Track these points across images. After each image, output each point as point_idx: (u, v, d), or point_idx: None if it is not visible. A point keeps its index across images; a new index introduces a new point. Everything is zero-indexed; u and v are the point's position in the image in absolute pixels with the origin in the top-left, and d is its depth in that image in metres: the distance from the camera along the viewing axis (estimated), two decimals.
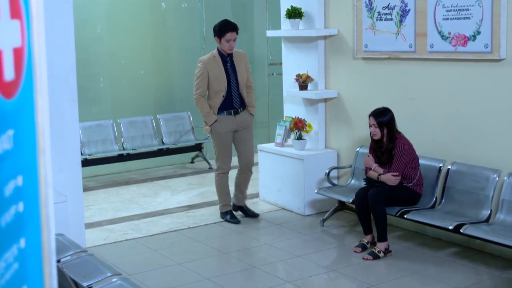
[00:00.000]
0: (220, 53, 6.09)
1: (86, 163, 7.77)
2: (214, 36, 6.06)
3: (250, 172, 6.38)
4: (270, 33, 7.52)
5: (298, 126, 6.49)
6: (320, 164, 6.45)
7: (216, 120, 6.10)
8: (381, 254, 5.25)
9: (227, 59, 6.10)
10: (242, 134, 6.24)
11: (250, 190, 7.35)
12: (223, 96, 6.08)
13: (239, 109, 6.18)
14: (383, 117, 5.37)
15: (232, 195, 6.46)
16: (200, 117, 9.21)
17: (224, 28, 5.97)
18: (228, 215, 6.36)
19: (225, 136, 6.16)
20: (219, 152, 6.24)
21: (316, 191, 6.20)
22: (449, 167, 5.43)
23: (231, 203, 6.44)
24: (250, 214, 6.42)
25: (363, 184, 5.65)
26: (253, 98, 6.31)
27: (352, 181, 6.23)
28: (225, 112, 6.13)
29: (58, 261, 3.46)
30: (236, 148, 6.34)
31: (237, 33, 6.02)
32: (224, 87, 6.06)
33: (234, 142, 6.30)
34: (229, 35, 5.96)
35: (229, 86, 6.09)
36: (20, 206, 1.10)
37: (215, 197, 7.18)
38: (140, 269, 5.13)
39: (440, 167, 5.51)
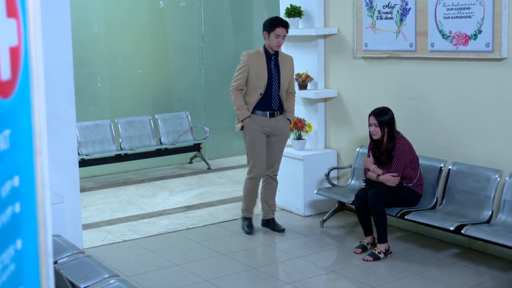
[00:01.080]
0: (266, 51, 5.87)
1: (83, 163, 7.74)
2: (263, 31, 5.85)
3: (274, 181, 6.03)
4: None
5: (298, 126, 6.46)
6: (319, 164, 6.42)
7: (249, 116, 5.80)
8: (382, 255, 5.22)
9: (272, 58, 5.88)
10: (275, 140, 5.90)
11: None
12: (261, 94, 5.80)
13: (275, 112, 5.85)
14: (383, 117, 5.34)
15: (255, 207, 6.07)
16: (199, 117, 9.27)
17: (275, 23, 5.79)
18: (246, 223, 6.06)
19: (257, 135, 5.81)
20: (250, 152, 5.86)
21: (315, 191, 6.16)
22: (450, 167, 5.40)
23: (263, 218, 6.13)
24: (277, 229, 6.01)
25: (363, 184, 5.63)
26: (293, 104, 6.01)
27: (352, 182, 6.20)
28: (260, 112, 5.82)
29: (55, 262, 3.43)
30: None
31: (287, 31, 5.81)
32: (264, 85, 5.79)
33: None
34: (279, 30, 5.75)
35: (270, 85, 5.82)
36: (17, 207, 1.10)
37: (213, 197, 7.17)
38: (138, 271, 5.10)
39: (441, 167, 5.48)
